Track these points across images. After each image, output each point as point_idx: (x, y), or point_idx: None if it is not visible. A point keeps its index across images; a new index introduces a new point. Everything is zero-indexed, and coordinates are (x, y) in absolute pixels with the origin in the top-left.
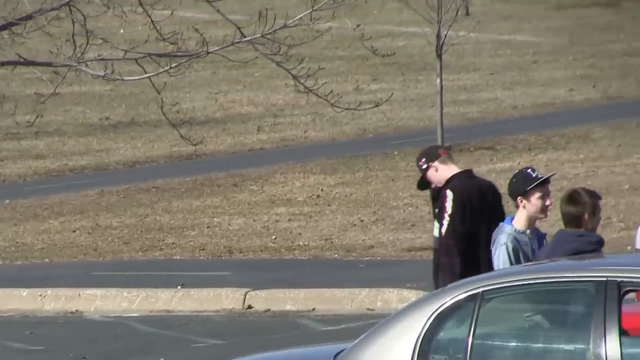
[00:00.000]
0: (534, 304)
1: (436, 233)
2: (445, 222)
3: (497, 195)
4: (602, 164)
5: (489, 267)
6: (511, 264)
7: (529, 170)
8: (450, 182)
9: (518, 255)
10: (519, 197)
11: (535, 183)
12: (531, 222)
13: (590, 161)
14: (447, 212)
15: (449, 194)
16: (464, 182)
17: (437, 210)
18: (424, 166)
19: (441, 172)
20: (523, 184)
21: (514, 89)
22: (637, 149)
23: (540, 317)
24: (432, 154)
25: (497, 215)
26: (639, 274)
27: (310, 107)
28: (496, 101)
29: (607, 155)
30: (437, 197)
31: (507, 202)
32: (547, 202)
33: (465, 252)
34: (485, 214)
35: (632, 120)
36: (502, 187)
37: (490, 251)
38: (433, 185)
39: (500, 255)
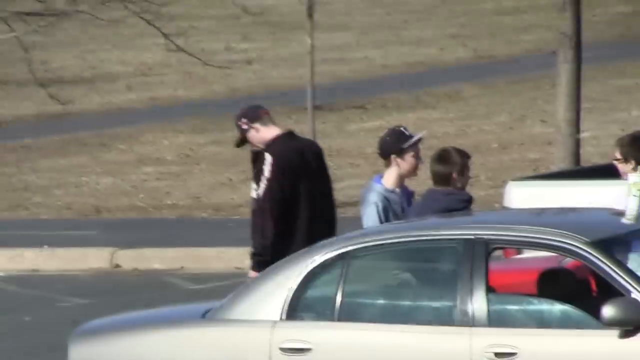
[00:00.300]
0: (403, 262)
1: (254, 195)
2: (263, 185)
3: (319, 155)
4: (471, 122)
5: (308, 231)
6: (381, 222)
7: (402, 129)
8: (270, 145)
9: (388, 213)
10: (393, 156)
11: (411, 141)
12: (401, 180)
13: (459, 120)
14: (265, 175)
15: (268, 157)
16: (284, 144)
17: (255, 171)
18: (244, 127)
19: (262, 133)
20: (398, 142)
21: (385, 48)
22: (506, 107)
23: (409, 275)
24: (253, 115)
25: (319, 175)
26: (507, 231)
27: (181, 66)
28: (367, 60)
29: (477, 114)
30: (256, 158)
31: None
32: (419, 161)
33: (281, 215)
34: (307, 176)
35: (502, 79)
36: (373, 145)
37: (315, 210)
38: (252, 146)
39: (369, 214)
